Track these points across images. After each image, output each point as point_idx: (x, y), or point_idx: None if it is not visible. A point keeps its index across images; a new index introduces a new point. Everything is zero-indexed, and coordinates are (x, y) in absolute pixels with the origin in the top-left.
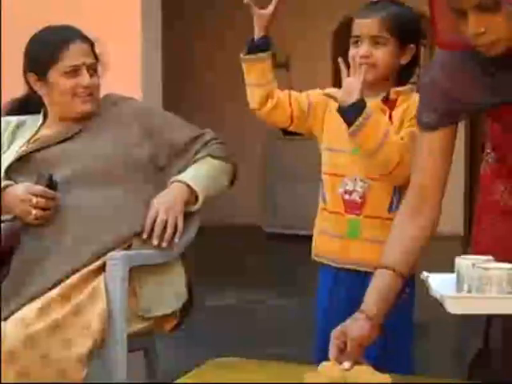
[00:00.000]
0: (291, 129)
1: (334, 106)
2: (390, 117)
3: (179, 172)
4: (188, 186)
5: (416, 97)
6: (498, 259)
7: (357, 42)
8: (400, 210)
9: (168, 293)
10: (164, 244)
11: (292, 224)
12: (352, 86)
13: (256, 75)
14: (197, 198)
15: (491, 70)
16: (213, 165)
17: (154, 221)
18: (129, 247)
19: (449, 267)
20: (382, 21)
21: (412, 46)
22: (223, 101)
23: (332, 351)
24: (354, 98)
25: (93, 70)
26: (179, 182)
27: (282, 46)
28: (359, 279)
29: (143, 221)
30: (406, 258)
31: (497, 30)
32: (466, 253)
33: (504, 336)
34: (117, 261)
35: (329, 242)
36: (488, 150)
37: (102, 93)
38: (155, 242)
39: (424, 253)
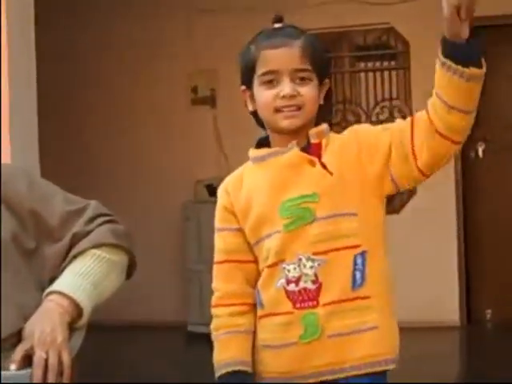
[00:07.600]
0: None
1: (246, 185)
2: (324, 166)
3: (55, 262)
4: (68, 297)
5: (332, 134)
6: None
7: (270, 81)
8: None
9: None
10: None
11: None
12: None
13: None
14: (81, 310)
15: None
16: (99, 259)
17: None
18: None
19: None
20: (303, 50)
21: (327, 80)
22: (118, 153)
23: None
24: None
25: None
26: (56, 293)
27: (205, 76)
28: None
29: (6, 330)
30: None
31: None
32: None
33: None
34: None
35: (275, 358)
36: None
37: None
38: None
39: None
